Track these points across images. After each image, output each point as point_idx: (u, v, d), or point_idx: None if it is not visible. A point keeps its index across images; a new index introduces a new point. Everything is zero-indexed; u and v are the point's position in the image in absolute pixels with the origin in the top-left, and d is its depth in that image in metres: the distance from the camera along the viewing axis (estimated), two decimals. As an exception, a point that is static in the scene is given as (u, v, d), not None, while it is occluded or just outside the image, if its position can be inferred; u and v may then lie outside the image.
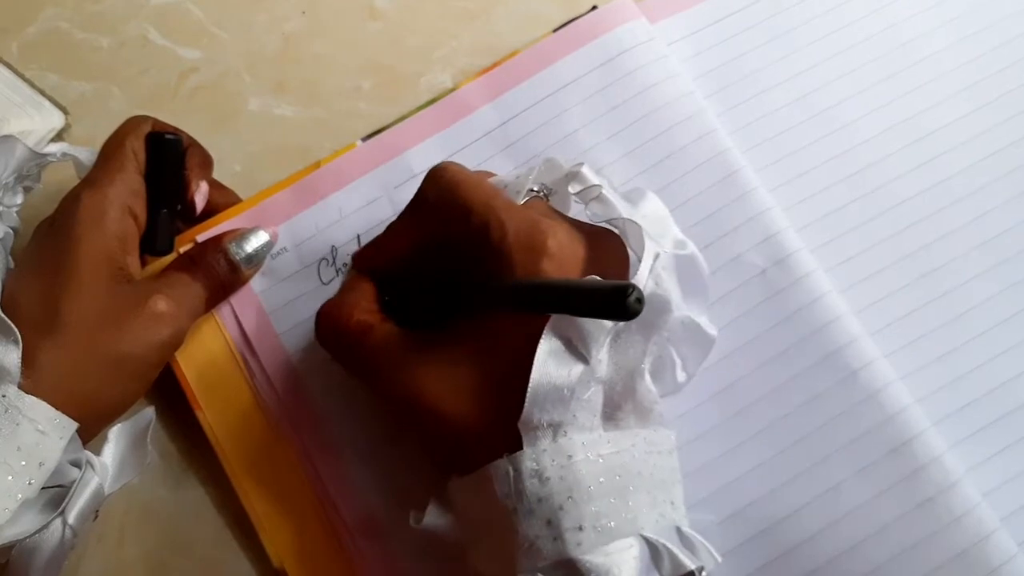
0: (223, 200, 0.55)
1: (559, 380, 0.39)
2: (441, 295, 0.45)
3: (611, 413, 0.42)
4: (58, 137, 0.58)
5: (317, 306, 0.52)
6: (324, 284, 0.53)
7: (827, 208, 0.54)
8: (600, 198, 0.45)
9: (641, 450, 0.41)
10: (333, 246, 0.54)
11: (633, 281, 0.40)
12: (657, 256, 0.42)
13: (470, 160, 0.54)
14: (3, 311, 0.44)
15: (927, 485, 0.48)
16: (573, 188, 0.45)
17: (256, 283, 0.53)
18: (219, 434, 0.51)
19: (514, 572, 0.39)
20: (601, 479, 0.39)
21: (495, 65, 0.57)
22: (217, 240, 0.52)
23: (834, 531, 0.48)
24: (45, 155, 0.51)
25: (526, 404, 0.39)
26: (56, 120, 0.58)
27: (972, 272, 0.53)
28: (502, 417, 0.40)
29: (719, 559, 0.41)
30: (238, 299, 0.53)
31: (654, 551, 0.39)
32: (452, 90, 0.57)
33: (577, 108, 0.55)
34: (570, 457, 0.39)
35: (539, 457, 0.39)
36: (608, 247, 0.44)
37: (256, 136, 0.59)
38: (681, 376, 0.47)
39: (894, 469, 0.48)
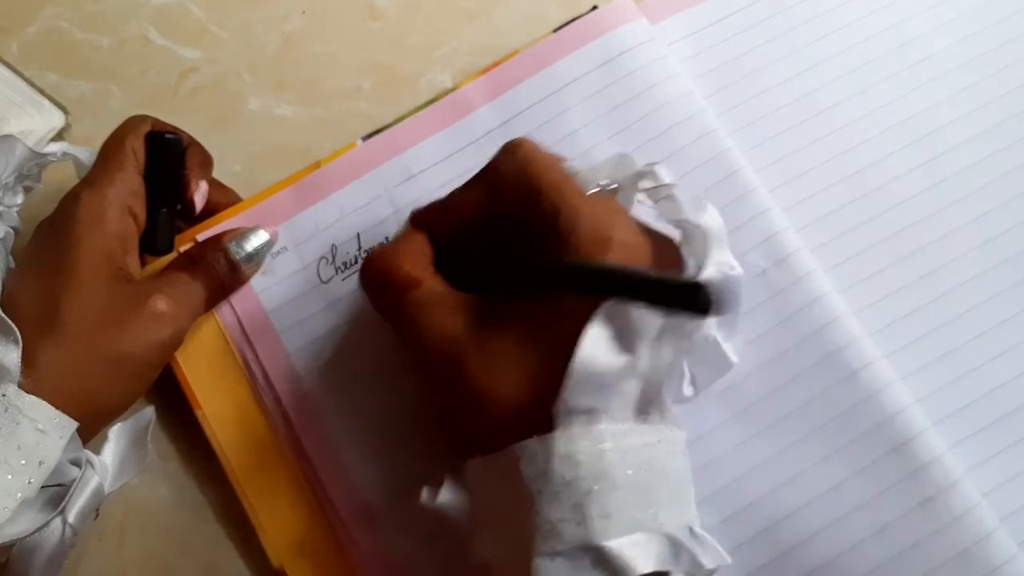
0: (223, 199, 0.55)
1: (601, 368, 0.39)
2: (500, 267, 0.45)
3: (643, 408, 0.41)
4: (58, 137, 0.58)
5: (317, 305, 0.53)
6: (324, 283, 0.53)
7: (827, 208, 0.54)
8: (671, 198, 0.45)
9: (664, 448, 0.41)
10: (333, 245, 0.54)
11: None
12: (720, 265, 0.42)
13: (472, 160, 0.54)
14: (3, 310, 0.44)
15: (927, 485, 0.48)
16: (644, 184, 0.45)
17: (256, 282, 0.53)
18: (219, 433, 0.51)
19: (528, 556, 0.39)
20: (629, 471, 0.39)
21: (495, 65, 0.57)
22: (217, 239, 0.52)
23: (834, 531, 0.48)
24: (45, 155, 0.51)
25: (565, 386, 0.38)
26: (56, 120, 0.58)
27: (972, 272, 0.53)
28: (537, 397, 0.40)
29: (729, 560, 0.41)
30: (238, 298, 0.53)
31: (673, 547, 0.39)
32: (452, 90, 0.57)
33: (577, 108, 0.55)
34: (601, 445, 0.39)
35: (571, 441, 0.38)
36: (664, 253, 0.44)
37: (256, 136, 0.59)
38: (688, 390, 0.46)
39: (894, 469, 0.48)
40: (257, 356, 0.52)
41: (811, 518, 0.48)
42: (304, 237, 0.54)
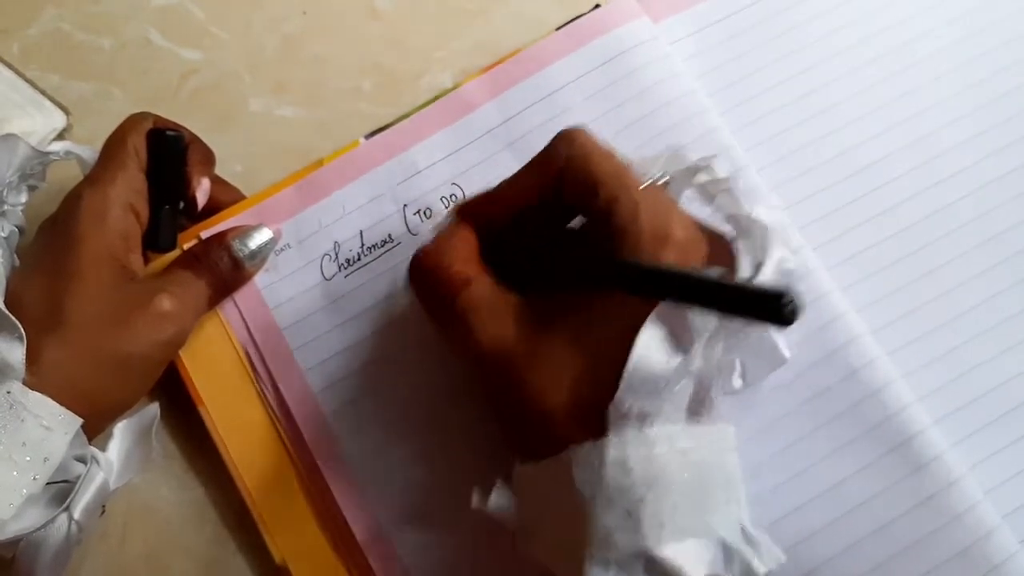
0: (226, 196, 0.55)
1: (656, 369, 0.38)
2: (555, 263, 0.44)
3: (695, 408, 0.41)
4: (59, 138, 0.58)
5: (320, 301, 0.53)
6: (327, 279, 0.53)
7: (829, 207, 0.54)
8: (730, 192, 0.44)
9: (716, 447, 0.40)
10: (336, 242, 0.54)
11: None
12: (781, 261, 0.41)
13: (473, 157, 0.55)
14: (7, 308, 0.44)
15: (928, 483, 0.48)
16: (700, 179, 0.45)
17: (259, 279, 0.53)
18: (221, 429, 0.51)
19: (580, 560, 0.38)
20: (683, 474, 0.38)
21: (496, 64, 0.57)
22: (221, 237, 0.52)
23: (835, 529, 0.48)
24: (48, 153, 0.51)
25: (620, 389, 0.38)
26: (58, 121, 0.58)
27: (973, 271, 0.53)
28: (589, 401, 0.39)
29: (783, 559, 0.40)
30: (241, 295, 0.53)
31: (727, 553, 0.39)
32: (453, 89, 0.57)
33: (579, 106, 0.55)
34: (654, 449, 0.38)
35: (624, 446, 0.38)
36: (716, 250, 0.43)
37: (257, 137, 0.59)
38: (737, 383, 0.46)
39: (895, 467, 0.48)
40: (260, 352, 0.52)
41: (812, 517, 0.48)
42: (307, 234, 0.54)
